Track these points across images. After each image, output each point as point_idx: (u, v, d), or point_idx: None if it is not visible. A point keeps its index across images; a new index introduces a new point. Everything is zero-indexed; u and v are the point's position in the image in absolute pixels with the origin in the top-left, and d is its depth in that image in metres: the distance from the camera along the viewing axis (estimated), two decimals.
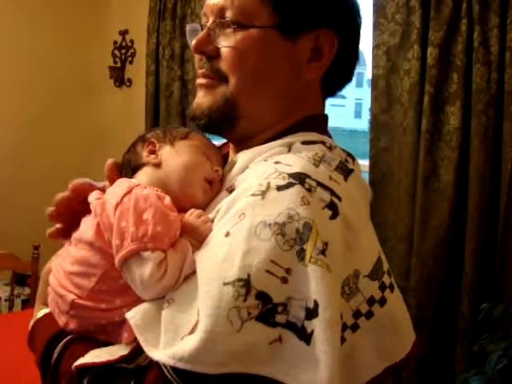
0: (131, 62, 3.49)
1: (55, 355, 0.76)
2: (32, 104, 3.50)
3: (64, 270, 0.78)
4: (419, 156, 2.13)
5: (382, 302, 0.74)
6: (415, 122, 2.15)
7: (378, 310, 0.73)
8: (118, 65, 3.52)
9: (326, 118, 0.90)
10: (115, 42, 3.55)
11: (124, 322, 0.72)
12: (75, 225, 0.82)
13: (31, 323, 0.86)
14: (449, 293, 2.07)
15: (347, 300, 0.69)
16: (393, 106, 2.25)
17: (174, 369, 0.63)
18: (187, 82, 3.01)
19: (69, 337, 0.77)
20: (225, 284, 0.64)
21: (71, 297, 0.75)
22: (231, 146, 0.92)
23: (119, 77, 3.50)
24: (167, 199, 0.75)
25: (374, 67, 2.28)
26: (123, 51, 3.50)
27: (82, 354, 0.72)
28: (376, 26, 2.24)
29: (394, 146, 2.27)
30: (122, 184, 0.78)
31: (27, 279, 3.06)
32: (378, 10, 2.23)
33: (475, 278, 1.99)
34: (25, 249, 2.70)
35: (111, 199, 0.74)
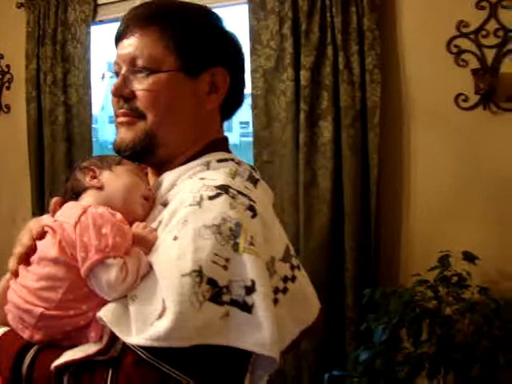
0: (8, 88, 3.42)
1: (26, 364, 0.85)
2: None
3: (28, 287, 0.88)
4: (299, 167, 2.37)
5: (293, 279, 0.94)
6: (293, 137, 2.39)
7: (291, 286, 0.93)
8: None
9: (227, 139, 1.10)
10: None
11: (89, 325, 0.85)
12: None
13: None
14: (334, 286, 2.32)
15: (269, 279, 0.88)
16: (272, 123, 2.47)
17: (149, 349, 0.77)
18: (71, 107, 3.03)
19: (36, 346, 0.87)
20: (183, 276, 0.80)
21: (39, 310, 0.85)
22: (150, 169, 1.07)
23: None
24: (118, 215, 0.89)
25: (253, 88, 2.49)
26: None
27: (56, 357, 0.83)
28: (252, 51, 2.46)
29: (275, 159, 2.50)
30: (75, 206, 0.90)
31: None
32: (254, 37, 2.45)
33: (355, 271, 2.26)
34: None
35: (68, 220, 0.87)
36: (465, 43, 2.14)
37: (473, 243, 2.07)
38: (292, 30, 2.33)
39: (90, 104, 2.99)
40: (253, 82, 2.49)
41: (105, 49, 3.25)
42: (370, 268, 2.27)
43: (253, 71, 2.48)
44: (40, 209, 3.10)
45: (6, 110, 3.45)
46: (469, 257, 1.92)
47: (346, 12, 2.21)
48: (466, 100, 2.14)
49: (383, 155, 2.24)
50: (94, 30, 3.02)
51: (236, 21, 2.61)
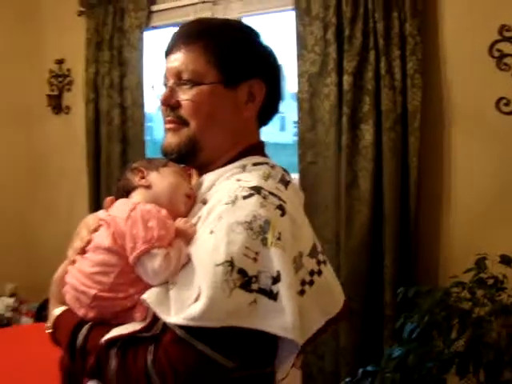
0: (69, 90, 3.64)
1: (81, 338, 0.98)
2: None
3: (84, 272, 1.01)
4: (341, 168, 2.44)
5: (319, 273, 1.03)
6: (336, 139, 2.46)
7: (317, 279, 1.02)
8: (56, 93, 3.66)
9: (263, 144, 1.20)
10: (51, 71, 3.69)
11: (134, 306, 0.97)
12: None
13: (51, 320, 1.07)
14: (373, 284, 2.39)
15: (296, 273, 0.98)
16: (316, 126, 2.55)
17: (185, 328, 0.88)
18: (126, 109, 3.21)
19: (89, 323, 1.00)
20: (217, 265, 0.91)
21: (93, 292, 0.98)
22: (193, 170, 1.18)
23: (57, 104, 3.65)
24: (163, 211, 1.01)
25: (299, 92, 2.58)
26: (60, 79, 3.65)
27: (106, 333, 0.95)
28: (299, 56, 2.55)
29: (318, 160, 2.58)
30: (126, 203, 1.02)
31: None
32: (300, 43, 2.54)
33: (394, 270, 2.31)
34: None
35: (120, 214, 0.99)
36: (507, 47, 2.15)
37: (511, 247, 2.09)
38: (336, 36, 2.40)
39: (143, 106, 3.15)
40: (298, 86, 2.58)
41: (158, 53, 3.40)
42: (409, 268, 2.32)
43: (299, 75, 2.57)
44: (96, 205, 3.29)
45: (66, 110, 3.67)
46: (506, 260, 1.94)
47: (388, 18, 2.26)
48: (507, 104, 2.16)
49: (423, 158, 2.28)
50: (148, 35, 3.18)
51: (284, 26, 2.71)
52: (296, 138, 2.70)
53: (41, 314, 3.55)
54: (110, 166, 3.27)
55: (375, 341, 2.36)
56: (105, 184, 3.30)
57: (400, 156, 2.30)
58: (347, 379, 1.91)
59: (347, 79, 2.37)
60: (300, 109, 2.59)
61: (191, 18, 2.97)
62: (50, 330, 1.07)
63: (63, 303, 1.06)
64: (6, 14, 3.68)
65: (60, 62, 3.66)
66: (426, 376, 1.70)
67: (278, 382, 1.06)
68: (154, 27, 3.20)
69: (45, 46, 3.75)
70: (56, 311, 1.07)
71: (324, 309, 1.03)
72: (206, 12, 2.97)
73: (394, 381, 1.73)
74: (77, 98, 3.51)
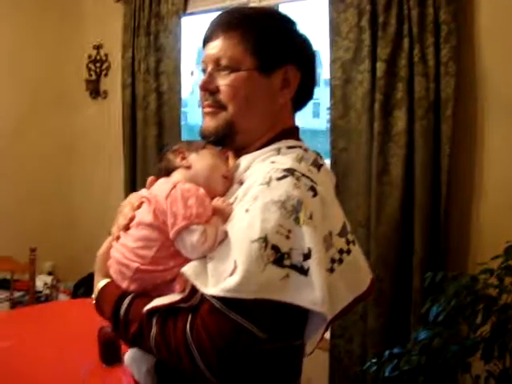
0: (106, 75, 3.73)
1: (123, 309, 1.05)
2: (11, 117, 3.70)
3: (127, 246, 1.08)
4: (373, 154, 2.47)
5: (348, 252, 1.08)
6: (368, 126, 2.48)
7: (346, 258, 1.07)
8: (93, 77, 3.76)
9: (297, 128, 1.25)
10: (89, 56, 3.79)
11: (174, 279, 1.03)
12: None
13: (96, 292, 1.15)
14: (402, 269, 2.42)
15: (326, 251, 1.03)
16: (349, 112, 2.58)
17: (221, 299, 0.94)
18: (163, 94, 3.28)
19: (132, 295, 1.07)
20: (252, 241, 0.97)
21: (135, 265, 1.05)
22: (231, 153, 1.24)
23: (95, 89, 3.75)
24: (202, 190, 1.07)
25: (331, 79, 2.61)
26: (98, 64, 3.74)
27: (147, 303, 1.02)
28: (332, 43, 2.57)
29: (351, 146, 2.60)
30: (167, 182, 1.09)
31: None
32: (334, 29, 2.56)
33: (424, 255, 2.34)
34: (22, 252, 2.92)
35: (161, 193, 1.06)
36: None
37: None
38: (370, 23, 2.42)
39: (179, 91, 3.22)
40: (331, 73, 2.60)
41: (194, 38, 3.47)
42: (439, 254, 2.34)
43: (332, 62, 2.59)
44: (131, 187, 3.39)
45: (103, 95, 3.76)
46: None
47: (422, 5, 2.27)
48: None
49: (455, 146, 2.29)
50: (185, 21, 3.24)
51: (317, 13, 2.72)
52: (329, 125, 2.72)
53: (77, 292, 3.68)
54: (146, 149, 3.36)
55: (403, 324, 2.40)
56: (140, 167, 3.39)
57: (432, 143, 2.31)
58: (373, 360, 1.95)
59: (380, 66, 2.39)
60: (332, 95, 2.61)
61: (227, 4, 3.01)
62: (94, 301, 1.14)
63: (107, 276, 1.13)
64: (46, 1, 3.78)
65: (98, 47, 3.75)
66: (451, 359, 1.73)
67: (306, 355, 1.12)
68: (191, 13, 3.25)
69: (83, 32, 3.84)
70: (100, 283, 1.14)
71: (352, 286, 1.08)
72: None
73: (420, 363, 1.76)
74: (114, 83, 3.60)
